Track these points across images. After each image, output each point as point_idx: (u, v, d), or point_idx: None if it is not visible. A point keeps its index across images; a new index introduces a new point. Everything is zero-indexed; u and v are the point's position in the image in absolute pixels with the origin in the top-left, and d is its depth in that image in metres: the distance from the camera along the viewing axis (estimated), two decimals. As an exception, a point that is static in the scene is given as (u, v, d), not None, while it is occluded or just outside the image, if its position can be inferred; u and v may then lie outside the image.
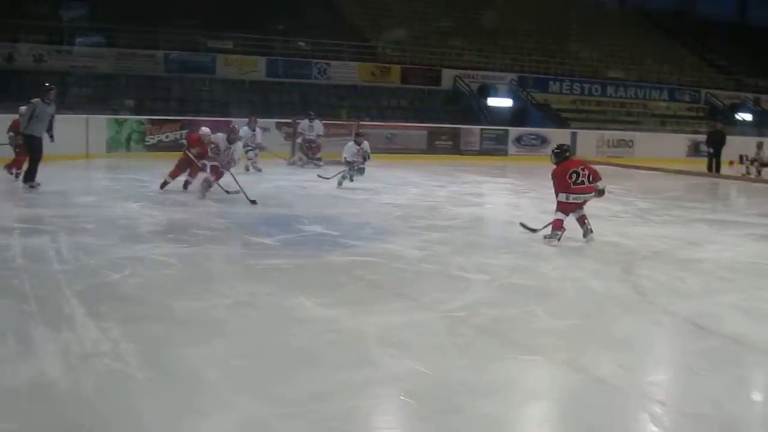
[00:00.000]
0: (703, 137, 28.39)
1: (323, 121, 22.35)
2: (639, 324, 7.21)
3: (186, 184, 15.05)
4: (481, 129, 28.84)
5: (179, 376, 5.39)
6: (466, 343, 6.31)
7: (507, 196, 17.73)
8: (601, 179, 11.10)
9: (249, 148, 19.12)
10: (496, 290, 8.21)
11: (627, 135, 31.99)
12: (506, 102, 32.07)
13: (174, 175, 15.14)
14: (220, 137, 14.40)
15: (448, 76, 33.62)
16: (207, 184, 14.29)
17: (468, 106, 32.27)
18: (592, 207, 14.98)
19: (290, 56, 31.10)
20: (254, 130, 19.82)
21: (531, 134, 29.65)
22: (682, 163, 28.94)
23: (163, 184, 15.03)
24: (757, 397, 5.80)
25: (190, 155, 15.04)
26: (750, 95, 41.37)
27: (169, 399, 4.99)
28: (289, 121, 23.66)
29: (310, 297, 7.49)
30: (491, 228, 12.64)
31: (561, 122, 32.12)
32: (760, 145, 26.63)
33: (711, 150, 26.20)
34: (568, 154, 11.36)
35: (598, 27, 42.34)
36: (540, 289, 8.25)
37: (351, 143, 17.10)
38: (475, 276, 8.69)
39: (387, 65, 32.73)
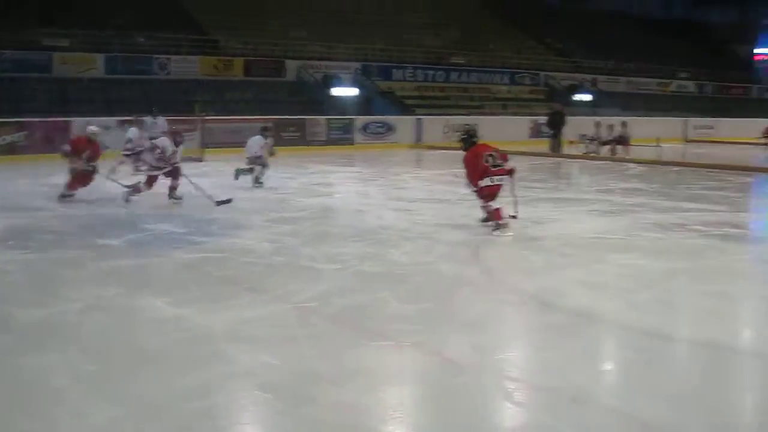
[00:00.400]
0: (543, 119, 29.20)
1: (167, 118, 21.88)
2: (487, 304, 7.38)
3: (68, 195, 13.69)
4: (327, 119, 28.82)
5: (30, 385, 5.22)
6: (318, 333, 6.32)
7: (355, 184, 17.81)
8: (508, 160, 11.07)
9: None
10: (346, 279, 8.23)
11: (471, 119, 32.53)
12: (351, 91, 32.12)
13: (73, 188, 13.76)
14: (165, 141, 13.53)
15: (291, 67, 33.46)
16: (136, 191, 13.42)
17: (313, 97, 32.21)
18: (439, 191, 15.26)
19: (129, 52, 30.36)
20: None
21: (377, 122, 29.84)
22: (526, 144, 29.66)
23: (63, 196, 13.64)
24: (601, 366, 6.02)
25: (79, 163, 13.61)
26: (588, 77, 42.74)
27: (21, 410, 4.83)
28: (131, 118, 23.08)
29: (159, 297, 7.36)
30: (341, 217, 12.66)
31: (406, 109, 32.42)
32: (598, 124, 27.63)
33: (552, 131, 26.98)
34: (475, 139, 11.24)
35: (440, 14, 42.93)
36: (390, 276, 8.33)
37: (257, 137, 16.10)
38: (325, 266, 8.70)
39: (229, 58, 32.33)
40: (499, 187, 10.86)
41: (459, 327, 6.55)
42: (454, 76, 38.06)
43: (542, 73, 41.50)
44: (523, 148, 26.38)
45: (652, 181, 18.28)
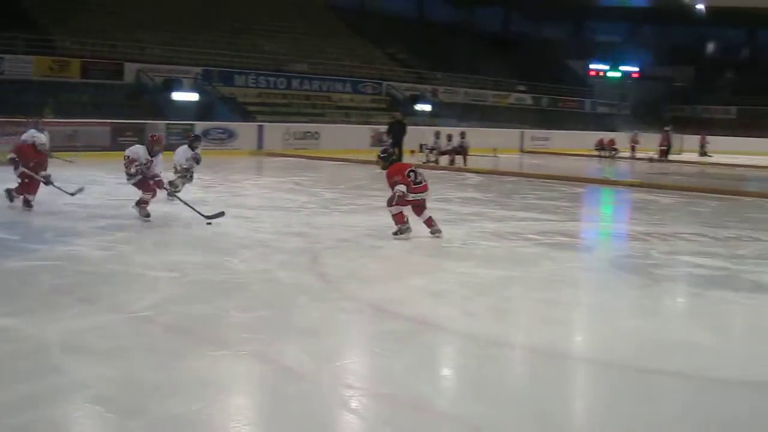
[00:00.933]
0: (384, 128, 29.50)
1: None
2: (325, 312, 7.40)
3: (27, 202, 13.06)
4: (167, 124, 28.29)
5: None
6: (152, 343, 6.21)
7: (194, 191, 17.52)
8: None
9: None
10: (183, 287, 8.12)
11: (313, 127, 32.65)
12: (192, 96, 31.67)
13: (23, 192, 13.09)
14: (139, 149, 12.65)
15: (131, 70, 32.71)
16: (145, 204, 12.62)
17: (152, 101, 31.58)
18: (279, 199, 15.24)
19: (-44, 51, 29.11)
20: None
21: (218, 128, 29.49)
22: (366, 153, 29.90)
23: (26, 203, 13.03)
24: (438, 373, 6.13)
25: (27, 171, 12.95)
26: (429, 87, 43.46)
27: None
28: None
29: (-14, 307, 7.08)
30: (178, 225, 12.43)
31: (247, 116, 32.20)
32: (437, 134, 28.17)
33: (392, 140, 27.29)
34: (394, 158, 11.85)
35: (283, 21, 42.82)
36: (228, 284, 8.26)
37: (184, 147, 15.33)
38: (161, 274, 8.56)
39: (66, 59, 31.35)
40: (422, 202, 11.34)
41: (297, 335, 6.55)
42: (296, 83, 38.01)
43: (384, 83, 41.94)
44: (363, 157, 26.60)
45: (489, 191, 18.75)
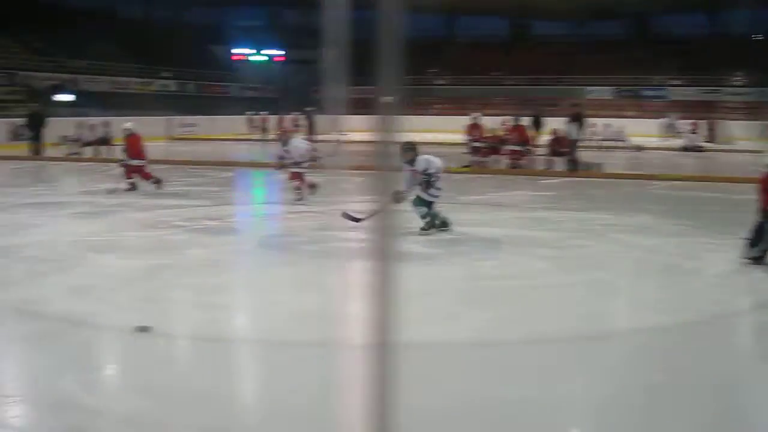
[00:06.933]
0: (23, 121, 28.11)
1: None
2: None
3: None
4: None
5: None
6: None
7: None
8: None
9: None
10: None
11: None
12: None
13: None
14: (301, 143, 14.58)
15: None
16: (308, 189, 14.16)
17: None
18: None
19: None
20: None
21: None
22: (5, 148, 28.34)
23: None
24: (89, 369, 5.92)
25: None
26: (70, 76, 41.86)
27: None
28: None
29: None
30: None
31: None
32: (80, 125, 27.19)
33: (32, 133, 26.09)
34: None
35: None
36: None
37: None
38: None
39: None
40: None
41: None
42: None
43: (20, 73, 39.87)
44: (1, 152, 25.18)
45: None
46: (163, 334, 6.61)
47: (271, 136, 36.89)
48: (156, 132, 36.40)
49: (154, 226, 11.64)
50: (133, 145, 15.89)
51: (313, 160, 14.89)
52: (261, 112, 41.22)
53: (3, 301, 7.53)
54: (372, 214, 10.41)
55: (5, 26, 42.04)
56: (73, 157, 24.69)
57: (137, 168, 15.71)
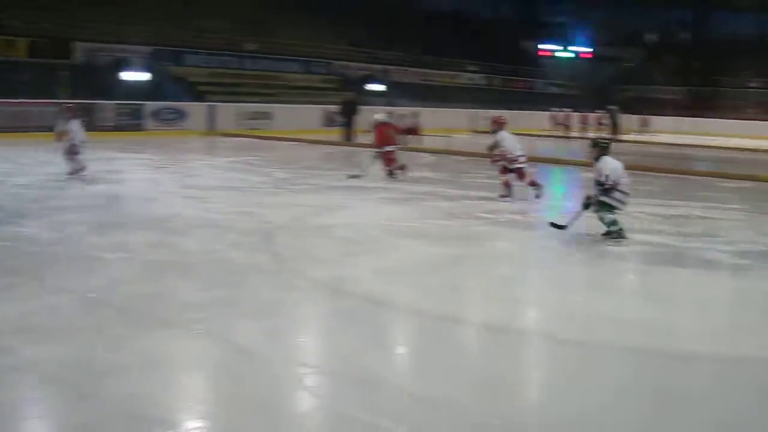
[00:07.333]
0: (336, 108, 29.41)
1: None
2: (279, 291, 7.40)
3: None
4: (116, 104, 28.00)
5: None
6: (104, 324, 6.16)
7: (145, 171, 17.38)
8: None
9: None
10: (135, 267, 8.06)
11: (264, 107, 32.45)
12: (142, 76, 31.30)
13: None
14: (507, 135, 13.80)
15: (80, 49, 32.27)
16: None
17: (102, 81, 31.15)
18: (231, 179, 15.16)
19: None
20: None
21: (168, 108, 29.24)
22: (318, 133, 29.84)
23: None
24: (392, 350, 6.17)
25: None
26: (381, 67, 43.39)
27: None
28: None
29: (-65, 288, 6.99)
30: (129, 205, 12.32)
31: (198, 96, 31.93)
32: (390, 115, 28.01)
33: (344, 119, 27.24)
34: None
35: (234, 0, 42.42)
36: (180, 264, 8.23)
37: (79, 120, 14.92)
38: (112, 255, 8.48)
39: (12, 38, 30.85)
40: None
41: (250, 314, 6.55)
42: (248, 63, 37.77)
43: (336, 63, 41.81)
44: (316, 137, 26.50)
45: (442, 170, 18.78)
46: (461, 320, 6.73)
47: (574, 134, 36.55)
48: (461, 124, 37.03)
49: (458, 216, 11.80)
50: (381, 133, 16.65)
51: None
52: (564, 109, 40.89)
53: (319, 277, 7.93)
54: (574, 220, 10.40)
55: (326, 18, 44.07)
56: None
57: (386, 154, 16.38)
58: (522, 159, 13.65)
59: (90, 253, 8.61)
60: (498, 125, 13.88)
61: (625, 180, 10.16)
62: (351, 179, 14.06)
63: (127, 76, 30.92)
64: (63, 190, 13.19)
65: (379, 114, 17.63)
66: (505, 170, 13.58)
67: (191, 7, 38.62)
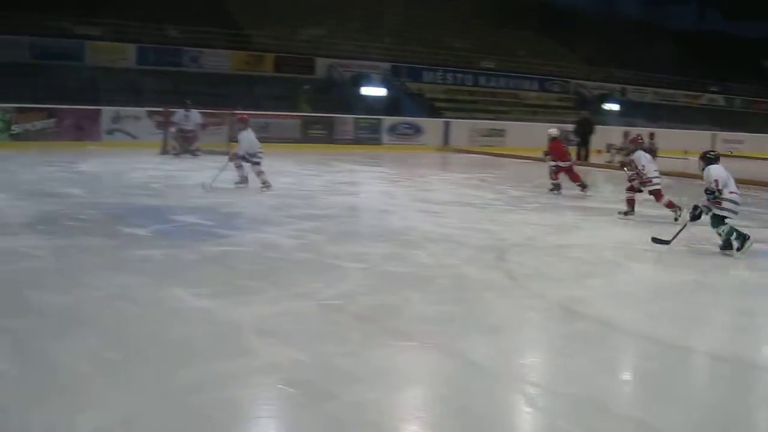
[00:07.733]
0: (571, 126, 29.07)
1: (199, 111, 22.02)
2: (511, 308, 7.38)
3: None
4: (355, 118, 28.87)
5: (53, 370, 5.24)
6: (342, 331, 6.34)
7: (381, 185, 17.81)
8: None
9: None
10: (371, 278, 8.26)
11: (498, 124, 32.54)
12: (380, 91, 32.12)
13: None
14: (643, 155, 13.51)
15: (322, 65, 33.53)
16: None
17: (342, 95, 32.24)
18: (465, 195, 15.27)
19: (161, 44, 30.54)
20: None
21: (405, 123, 29.86)
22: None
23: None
24: (623, 376, 6.03)
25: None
26: (617, 86, 42.60)
27: (42, 394, 4.85)
28: (161, 109, 23.16)
29: (185, 288, 7.40)
30: (366, 217, 12.68)
31: (434, 112, 32.42)
32: (626, 134, 27.43)
33: (579, 138, 26.88)
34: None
35: (472, 18, 42.86)
36: (415, 276, 8.34)
37: (249, 133, 15.03)
38: (350, 264, 8.72)
39: (260, 54, 32.43)
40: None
41: (482, 330, 6.55)
42: (483, 80, 38.06)
43: (572, 81, 41.40)
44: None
45: (678, 194, 18.16)
46: (694, 351, 6.48)
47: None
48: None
49: (695, 241, 11.36)
50: (556, 148, 16.94)
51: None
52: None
53: (552, 296, 7.85)
54: (679, 233, 9.81)
55: (563, 36, 43.81)
56: (616, 166, 25.01)
57: (564, 169, 16.79)
58: (656, 180, 13.36)
59: (328, 261, 8.88)
60: (635, 144, 13.80)
61: (733, 186, 10.23)
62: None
63: (366, 91, 31.79)
64: (302, 200, 13.69)
65: (553, 129, 17.99)
66: (633, 189, 13.40)
67: (437, 26, 39.31)
